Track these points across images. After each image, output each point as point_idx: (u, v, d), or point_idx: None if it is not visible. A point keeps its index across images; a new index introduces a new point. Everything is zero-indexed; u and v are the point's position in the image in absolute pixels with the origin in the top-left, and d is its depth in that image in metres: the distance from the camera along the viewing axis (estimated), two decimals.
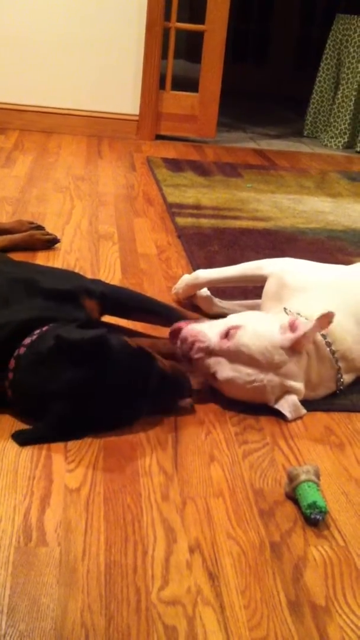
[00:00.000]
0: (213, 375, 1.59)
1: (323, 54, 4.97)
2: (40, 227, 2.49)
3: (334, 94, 4.96)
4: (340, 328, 1.67)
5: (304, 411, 1.61)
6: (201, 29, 4.29)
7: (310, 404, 1.63)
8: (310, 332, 1.56)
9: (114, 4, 4.11)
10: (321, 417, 1.63)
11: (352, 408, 1.67)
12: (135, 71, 4.24)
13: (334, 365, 1.66)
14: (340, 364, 1.67)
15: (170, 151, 4.13)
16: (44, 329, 1.50)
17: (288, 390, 1.60)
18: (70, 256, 2.39)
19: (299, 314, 1.67)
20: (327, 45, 4.95)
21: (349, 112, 4.77)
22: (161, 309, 1.85)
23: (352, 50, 4.74)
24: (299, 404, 1.61)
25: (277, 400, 1.60)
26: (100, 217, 2.82)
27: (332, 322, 1.66)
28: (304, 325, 1.57)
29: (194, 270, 2.21)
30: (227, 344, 1.56)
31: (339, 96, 4.82)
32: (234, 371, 1.56)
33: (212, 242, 2.63)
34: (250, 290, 2.13)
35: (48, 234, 2.46)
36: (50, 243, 2.44)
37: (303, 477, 1.32)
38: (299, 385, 1.61)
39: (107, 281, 1.93)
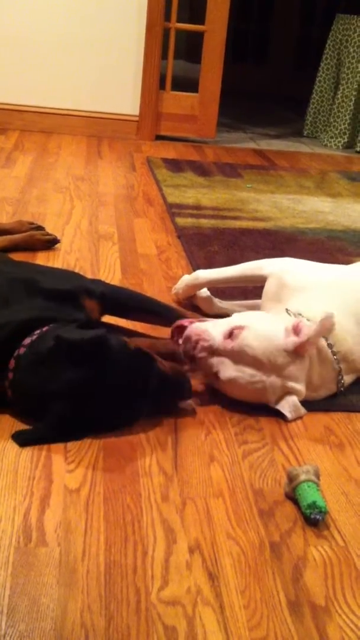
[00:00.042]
0: (215, 375, 1.59)
1: (323, 54, 4.97)
2: (40, 228, 2.49)
3: (333, 94, 4.96)
4: (341, 328, 1.67)
5: (303, 411, 1.61)
6: (201, 29, 4.29)
7: (310, 404, 1.63)
8: (315, 337, 1.57)
9: (114, 4, 4.11)
10: (321, 418, 1.63)
11: (352, 408, 1.68)
12: (135, 71, 4.25)
13: (335, 367, 1.66)
14: (342, 366, 1.67)
15: (170, 151, 4.13)
16: (44, 329, 1.50)
17: (289, 391, 1.60)
18: (70, 256, 2.39)
19: (300, 314, 1.67)
20: (327, 45, 4.95)
21: (348, 112, 4.77)
22: (161, 309, 1.85)
23: (352, 50, 4.74)
24: (299, 404, 1.61)
25: (278, 400, 1.60)
26: (100, 217, 2.82)
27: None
28: (308, 330, 1.57)
29: (194, 270, 2.21)
30: (230, 344, 1.56)
31: (339, 96, 4.82)
32: (236, 371, 1.56)
33: (212, 243, 2.63)
34: (250, 291, 2.13)
35: (48, 234, 2.46)
36: (50, 243, 2.44)
37: (303, 477, 1.32)
38: (300, 386, 1.61)
39: (107, 281, 1.93)
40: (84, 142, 4.11)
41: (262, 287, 1.90)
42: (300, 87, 5.90)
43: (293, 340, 1.57)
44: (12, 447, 1.40)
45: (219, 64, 4.34)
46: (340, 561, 1.21)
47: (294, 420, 1.60)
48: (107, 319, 1.78)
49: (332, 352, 1.65)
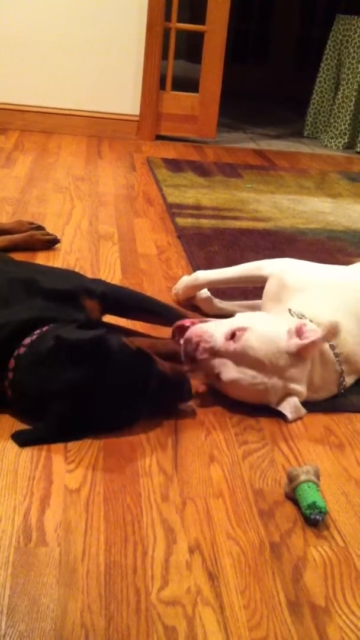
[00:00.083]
0: (217, 376, 1.58)
1: (323, 54, 4.97)
2: (40, 228, 2.49)
3: (334, 94, 4.96)
4: (342, 330, 1.67)
5: (304, 411, 1.61)
6: (201, 29, 4.29)
7: (310, 405, 1.63)
8: (320, 342, 1.57)
9: (114, 4, 4.11)
10: (321, 418, 1.63)
11: (352, 409, 1.67)
12: (135, 71, 4.25)
13: (337, 369, 1.66)
14: (343, 367, 1.67)
15: (171, 151, 4.13)
16: (44, 329, 1.50)
17: (290, 393, 1.60)
18: (70, 256, 2.39)
19: (303, 315, 1.67)
20: (327, 46, 4.95)
21: (349, 112, 4.77)
22: (162, 308, 1.85)
23: (352, 50, 4.74)
24: (300, 405, 1.61)
25: (279, 402, 1.60)
26: (100, 217, 2.82)
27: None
28: (313, 333, 1.57)
29: (194, 270, 2.22)
30: (232, 346, 1.56)
31: (339, 97, 4.82)
32: (238, 373, 1.56)
33: (212, 243, 2.63)
34: (250, 291, 2.13)
35: (48, 234, 2.46)
36: (50, 243, 2.44)
37: (303, 477, 1.32)
38: (301, 387, 1.61)
39: (108, 281, 1.93)
40: (84, 142, 4.11)
41: (262, 287, 1.90)
42: (300, 87, 5.90)
43: (296, 342, 1.56)
44: (12, 447, 1.40)
45: (219, 64, 4.34)
46: (340, 561, 1.21)
47: (294, 420, 1.60)
48: (108, 318, 1.78)
49: (335, 353, 1.65)
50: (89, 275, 2.13)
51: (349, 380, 1.71)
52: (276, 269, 1.89)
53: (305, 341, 1.56)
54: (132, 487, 1.32)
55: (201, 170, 3.74)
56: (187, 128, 4.43)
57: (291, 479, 1.34)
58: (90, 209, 2.91)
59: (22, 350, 1.46)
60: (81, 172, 3.47)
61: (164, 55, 4.27)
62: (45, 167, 3.49)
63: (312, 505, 1.28)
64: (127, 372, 1.44)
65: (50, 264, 2.27)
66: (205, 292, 2.04)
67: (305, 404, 1.62)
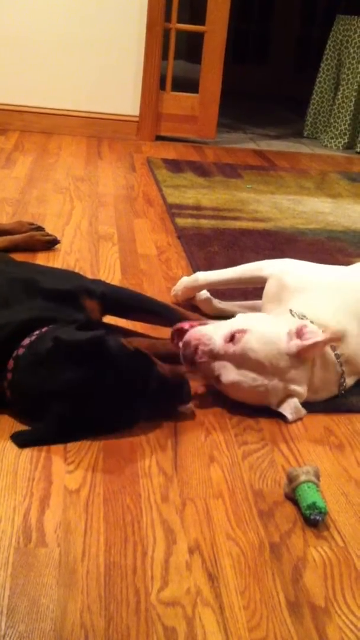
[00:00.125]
0: (217, 378, 1.58)
1: (323, 54, 4.97)
2: (40, 228, 2.49)
3: (334, 94, 4.96)
4: (343, 329, 1.67)
5: (304, 412, 1.61)
6: (201, 29, 4.29)
7: (310, 405, 1.63)
8: (321, 344, 1.56)
9: (114, 4, 4.11)
10: (321, 418, 1.63)
11: (352, 409, 1.67)
12: (135, 72, 4.25)
13: (338, 370, 1.66)
14: (344, 368, 1.67)
15: (170, 152, 4.13)
16: (43, 329, 1.50)
17: (290, 394, 1.60)
18: (70, 257, 2.39)
19: (304, 316, 1.67)
20: (327, 46, 4.95)
21: (349, 112, 4.77)
22: (162, 309, 1.85)
23: (352, 51, 4.74)
24: (300, 406, 1.60)
25: (280, 403, 1.60)
26: (100, 217, 2.82)
27: (335, 324, 1.66)
28: (313, 335, 1.56)
29: (194, 270, 2.22)
30: (232, 348, 1.55)
31: (339, 97, 4.82)
32: (238, 375, 1.55)
33: (212, 243, 2.63)
34: (250, 291, 2.12)
35: (48, 234, 2.46)
36: (50, 244, 2.44)
37: (303, 477, 1.32)
38: (301, 389, 1.60)
39: (108, 282, 1.93)
40: (84, 143, 4.11)
41: (262, 288, 1.90)
42: (300, 87, 5.90)
43: (296, 343, 1.56)
44: (12, 447, 1.40)
45: (219, 65, 4.34)
46: (340, 562, 1.21)
47: (295, 421, 1.60)
48: (107, 319, 1.78)
49: (335, 354, 1.65)
50: (89, 275, 2.13)
51: (350, 381, 1.70)
52: (276, 270, 1.89)
53: (306, 342, 1.56)
54: (131, 487, 1.32)
55: (201, 170, 3.74)
56: (187, 128, 4.44)
57: (291, 479, 1.34)
58: (90, 209, 2.91)
59: (21, 351, 1.46)
60: (81, 172, 3.48)
61: (164, 56, 4.27)
62: (45, 167, 3.49)
63: (312, 506, 1.28)
64: (125, 373, 1.44)
65: (50, 264, 2.27)
66: (204, 293, 2.04)
67: (306, 404, 1.62)
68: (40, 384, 1.41)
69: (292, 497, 1.33)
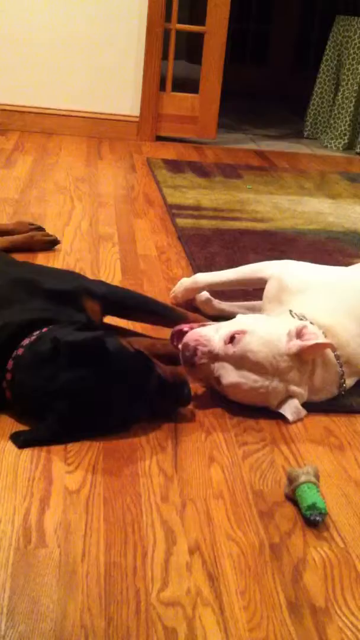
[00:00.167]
0: (217, 380, 1.58)
1: (323, 55, 4.97)
2: (40, 229, 2.49)
3: (334, 95, 4.96)
4: (344, 331, 1.67)
5: (304, 413, 1.61)
6: (201, 30, 4.29)
7: (310, 406, 1.63)
8: (322, 346, 1.56)
9: (114, 5, 4.11)
10: (321, 419, 1.63)
11: (352, 409, 1.67)
12: (135, 72, 4.25)
13: (338, 370, 1.66)
14: (344, 369, 1.67)
15: (171, 152, 4.13)
16: (43, 330, 1.50)
17: (291, 395, 1.60)
18: (70, 257, 2.39)
19: (304, 317, 1.67)
20: (327, 47, 4.95)
21: (349, 113, 4.77)
22: (162, 309, 1.86)
23: (352, 51, 4.74)
24: (300, 407, 1.61)
25: (280, 404, 1.60)
26: (100, 218, 2.82)
27: (335, 325, 1.66)
28: (313, 335, 1.57)
29: (194, 271, 2.22)
30: (232, 350, 1.55)
31: (339, 97, 4.82)
32: (238, 377, 1.55)
33: (212, 243, 2.64)
34: (250, 292, 2.12)
35: (48, 235, 2.46)
36: (50, 244, 2.44)
37: (303, 478, 1.32)
38: (302, 389, 1.60)
39: (108, 282, 1.93)
40: (84, 143, 4.11)
41: (262, 289, 1.90)
42: (300, 87, 5.90)
43: (296, 344, 1.56)
44: (12, 448, 1.40)
45: (219, 65, 4.34)
46: (340, 562, 1.21)
47: (295, 422, 1.60)
48: (108, 319, 1.78)
49: (336, 355, 1.64)
50: (89, 276, 2.13)
51: (350, 381, 1.70)
52: (276, 271, 1.89)
53: (307, 343, 1.56)
54: (132, 488, 1.32)
55: (201, 171, 3.74)
56: (187, 129, 4.43)
57: (291, 480, 1.34)
58: (90, 209, 2.91)
59: (20, 351, 1.46)
60: (81, 173, 3.48)
61: (164, 56, 4.27)
62: (46, 167, 3.50)
63: (312, 506, 1.28)
64: (125, 374, 1.44)
65: (50, 264, 2.27)
66: (204, 294, 2.04)
67: (305, 405, 1.62)
68: (40, 384, 1.41)
69: (292, 498, 1.33)
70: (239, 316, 1.67)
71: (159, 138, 4.38)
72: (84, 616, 1.04)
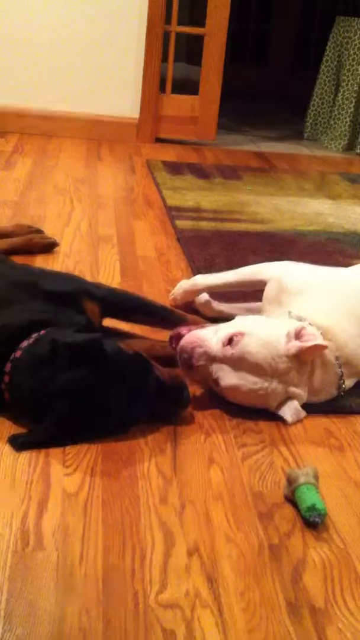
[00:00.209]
0: (215, 382, 1.58)
1: (323, 56, 4.97)
2: (39, 231, 2.49)
3: (334, 96, 4.96)
4: (343, 332, 1.67)
5: (303, 414, 1.61)
6: (201, 32, 4.28)
7: (310, 407, 1.62)
8: (322, 348, 1.56)
9: (114, 6, 4.11)
10: (321, 420, 1.62)
11: (351, 410, 1.67)
12: (135, 74, 4.24)
13: (337, 371, 1.65)
14: (343, 370, 1.66)
15: (170, 154, 4.13)
16: (42, 332, 1.50)
17: (290, 396, 1.59)
18: (69, 259, 2.39)
19: (303, 318, 1.66)
20: (327, 48, 4.95)
21: (349, 114, 4.76)
22: (161, 311, 1.86)
23: (352, 52, 4.73)
24: (299, 408, 1.60)
25: (279, 406, 1.59)
26: (99, 220, 2.82)
27: (335, 326, 1.66)
28: (312, 336, 1.56)
29: (194, 273, 2.22)
30: (230, 351, 1.55)
31: (339, 98, 4.82)
32: (237, 378, 1.55)
33: (211, 245, 2.63)
34: (250, 293, 2.12)
35: (47, 237, 2.46)
36: (49, 247, 2.43)
37: (302, 479, 1.32)
38: (301, 391, 1.60)
39: (107, 284, 1.93)
40: (83, 145, 4.11)
41: (262, 290, 1.90)
42: (300, 87, 5.89)
43: (295, 345, 1.55)
44: (10, 450, 1.39)
45: (219, 67, 4.33)
46: (339, 563, 1.21)
47: (294, 423, 1.59)
48: (107, 321, 1.78)
49: (335, 356, 1.64)
50: (88, 278, 2.13)
51: (349, 382, 1.70)
52: (275, 272, 1.88)
53: (306, 344, 1.55)
54: (130, 490, 1.32)
55: (201, 172, 3.74)
56: (187, 130, 4.43)
57: (290, 481, 1.33)
58: (89, 211, 2.91)
59: (19, 353, 1.46)
60: (81, 174, 3.47)
61: (164, 58, 4.27)
62: (45, 169, 3.49)
63: (312, 507, 1.28)
64: (123, 377, 1.43)
65: (49, 266, 2.27)
66: (204, 296, 2.03)
67: (305, 406, 1.61)
68: (38, 386, 1.41)
69: (291, 499, 1.33)
70: (237, 318, 1.67)
71: (159, 140, 4.38)
72: (82, 619, 1.04)
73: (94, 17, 4.12)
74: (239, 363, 1.54)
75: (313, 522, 1.27)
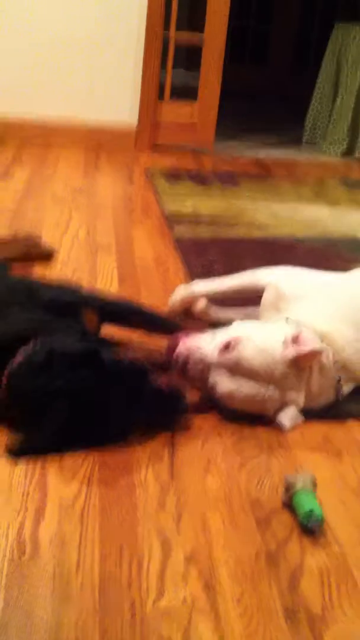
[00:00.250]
0: (212, 388, 1.58)
1: (322, 61, 4.98)
2: (37, 240, 2.49)
3: (333, 101, 4.97)
4: (341, 337, 1.67)
5: (301, 419, 1.60)
6: (199, 40, 4.29)
7: (307, 413, 1.62)
8: (318, 352, 1.56)
9: (112, 15, 4.11)
10: (318, 426, 1.62)
11: (349, 416, 1.67)
12: (133, 82, 4.25)
13: (335, 376, 1.65)
14: (341, 375, 1.66)
15: (168, 161, 4.13)
16: (39, 341, 1.50)
17: (288, 402, 1.59)
18: (67, 267, 2.39)
19: (301, 323, 1.66)
20: (326, 53, 4.96)
21: (348, 119, 4.77)
22: (159, 319, 1.87)
23: (350, 58, 4.74)
24: (297, 414, 1.60)
25: (277, 411, 1.59)
26: (98, 228, 2.82)
27: (332, 331, 1.66)
28: (310, 342, 1.56)
29: (192, 279, 2.22)
30: (227, 357, 1.55)
31: (338, 103, 4.83)
32: (234, 384, 1.55)
33: (210, 251, 2.63)
34: (249, 298, 2.11)
35: (45, 246, 2.46)
36: (47, 255, 2.44)
37: (300, 485, 1.32)
38: (298, 396, 1.60)
39: (105, 292, 1.93)
40: (82, 153, 4.12)
41: (261, 295, 1.90)
42: (300, 87, 5.90)
43: (292, 350, 1.55)
44: (7, 460, 1.39)
45: (217, 74, 4.34)
46: (336, 569, 1.21)
47: (292, 429, 1.59)
48: (105, 329, 1.78)
49: (333, 361, 1.64)
50: (86, 286, 2.13)
51: (347, 388, 1.70)
52: (273, 278, 1.89)
53: (303, 350, 1.55)
54: (127, 498, 1.32)
55: (199, 179, 3.74)
56: (186, 137, 4.44)
57: (288, 487, 1.34)
58: (87, 220, 2.91)
59: (16, 360, 1.46)
60: (79, 182, 3.48)
61: (162, 64, 4.27)
62: (43, 178, 3.50)
63: (309, 513, 1.28)
64: (120, 385, 1.43)
65: (47, 273, 2.28)
66: (202, 302, 2.03)
67: (303, 411, 1.61)
68: (35, 394, 1.41)
69: (289, 505, 1.33)
70: (235, 323, 1.67)
71: (157, 147, 4.38)
72: (79, 628, 1.04)
73: (92, 25, 4.13)
74: (236, 369, 1.54)
75: (311, 528, 1.27)
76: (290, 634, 1.07)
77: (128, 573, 1.15)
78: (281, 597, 1.14)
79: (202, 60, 4.32)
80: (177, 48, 4.41)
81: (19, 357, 1.47)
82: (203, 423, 1.58)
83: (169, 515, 1.29)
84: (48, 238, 2.58)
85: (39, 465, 1.38)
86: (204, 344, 1.58)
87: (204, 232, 2.85)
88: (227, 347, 1.55)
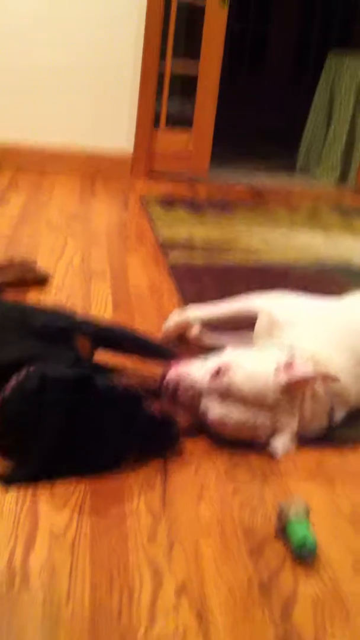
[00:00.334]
0: (203, 414, 1.57)
1: (316, 90, 5.03)
2: (32, 265, 2.49)
3: (326, 129, 5.01)
4: (333, 363, 1.67)
5: (294, 446, 1.60)
6: (195, 68, 4.33)
7: (300, 439, 1.62)
8: (310, 379, 1.55)
9: (109, 42, 4.16)
10: (311, 452, 1.61)
11: (342, 442, 1.66)
12: (130, 110, 4.28)
13: (328, 402, 1.65)
14: (334, 400, 1.66)
15: (164, 188, 4.16)
16: (32, 368, 1.50)
17: (280, 428, 1.59)
18: (62, 293, 2.39)
19: (294, 349, 1.66)
20: (320, 81, 5.02)
21: (341, 146, 4.81)
22: (153, 345, 1.86)
23: (343, 87, 4.79)
24: (290, 440, 1.59)
25: (269, 438, 1.59)
26: (92, 254, 2.83)
27: (325, 357, 1.66)
28: (303, 369, 1.56)
29: (186, 306, 2.22)
30: (217, 383, 1.54)
31: (331, 131, 4.87)
32: (225, 411, 1.54)
33: (203, 278, 2.64)
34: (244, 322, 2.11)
35: (40, 272, 2.46)
36: (42, 280, 2.44)
37: (293, 514, 1.31)
38: (291, 423, 1.59)
39: (99, 318, 1.93)
40: (77, 180, 4.14)
41: (255, 320, 1.90)
42: (296, 100, 5.96)
43: (285, 377, 1.55)
44: None
45: (212, 105, 4.39)
46: (329, 598, 1.20)
47: (284, 456, 1.58)
48: (99, 354, 1.78)
49: (325, 387, 1.63)
50: (80, 312, 2.13)
51: (340, 414, 1.69)
52: (266, 305, 1.89)
53: (295, 376, 1.55)
54: (118, 528, 1.31)
55: (194, 206, 3.76)
56: (181, 165, 4.47)
57: (281, 515, 1.33)
58: (82, 246, 2.92)
59: (8, 388, 1.46)
60: (74, 209, 3.49)
61: (159, 92, 4.31)
62: (39, 205, 3.51)
63: (302, 542, 1.27)
64: (112, 412, 1.43)
65: (41, 300, 2.28)
66: (196, 328, 2.03)
67: (296, 438, 1.61)
68: (27, 421, 1.40)
69: (282, 534, 1.32)
70: (227, 350, 1.67)
71: (152, 174, 4.41)
72: None
73: (89, 53, 4.17)
74: (226, 395, 1.53)
75: (304, 557, 1.26)
76: None
77: (119, 603, 1.14)
78: (274, 626, 1.13)
79: (198, 89, 4.36)
80: (173, 76, 4.45)
81: (12, 383, 1.47)
82: (194, 448, 1.57)
83: (160, 546, 1.28)
84: (43, 264, 2.59)
85: (30, 492, 1.37)
86: (194, 370, 1.57)
87: (198, 259, 2.86)
88: (217, 373, 1.55)
